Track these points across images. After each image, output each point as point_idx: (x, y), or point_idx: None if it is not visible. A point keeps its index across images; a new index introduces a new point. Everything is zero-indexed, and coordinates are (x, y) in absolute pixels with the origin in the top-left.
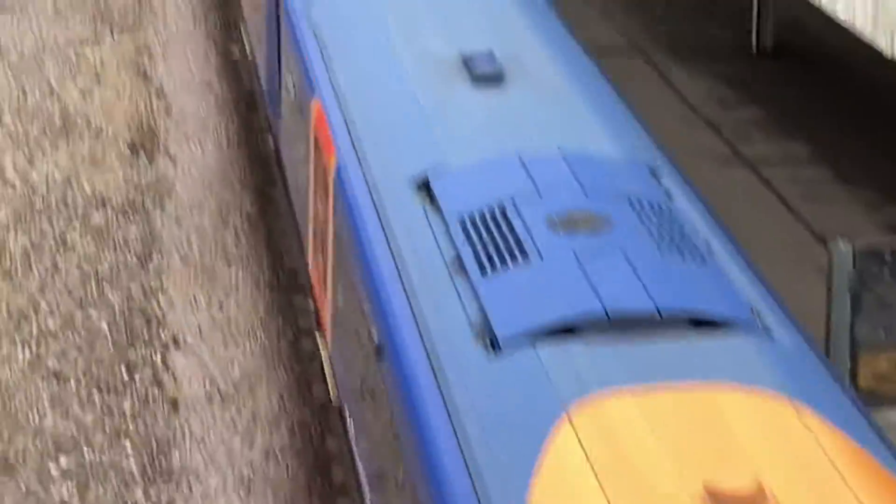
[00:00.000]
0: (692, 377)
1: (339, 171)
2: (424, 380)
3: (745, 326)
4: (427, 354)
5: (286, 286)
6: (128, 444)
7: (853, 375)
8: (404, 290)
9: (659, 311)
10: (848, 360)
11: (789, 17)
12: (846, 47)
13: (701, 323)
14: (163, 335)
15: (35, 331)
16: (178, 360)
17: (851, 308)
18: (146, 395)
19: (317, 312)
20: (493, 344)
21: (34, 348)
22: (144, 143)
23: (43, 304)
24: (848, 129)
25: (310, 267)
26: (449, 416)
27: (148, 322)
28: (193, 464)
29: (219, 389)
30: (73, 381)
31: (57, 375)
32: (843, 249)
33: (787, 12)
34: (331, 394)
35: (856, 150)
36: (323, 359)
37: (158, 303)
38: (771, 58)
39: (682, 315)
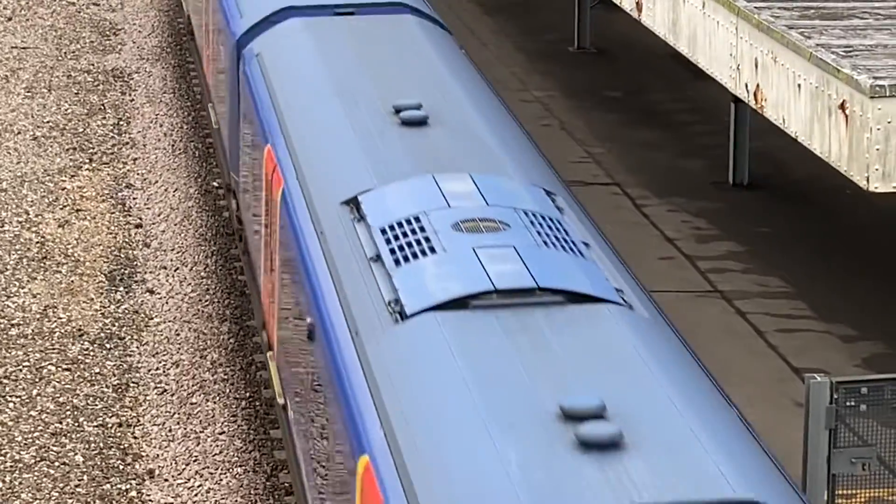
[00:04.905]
0: (566, 338)
1: (283, 195)
2: (346, 348)
3: (609, 300)
4: (349, 328)
5: (263, 419)
6: None
7: None
8: (332, 282)
9: (538, 286)
10: (825, 496)
11: (765, 150)
12: (821, 179)
13: (573, 298)
14: (138, 468)
15: (9, 462)
16: (153, 493)
17: (829, 443)
18: None
19: (268, 339)
20: (402, 315)
21: (7, 479)
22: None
23: (18, 436)
24: (823, 262)
25: (262, 299)
26: (363, 371)
27: (124, 454)
28: None
29: None
30: None
31: None
32: (819, 384)
33: (762, 145)
34: (276, 394)
35: (832, 283)
36: (272, 375)
37: (134, 435)
38: (746, 190)
39: (556, 290)
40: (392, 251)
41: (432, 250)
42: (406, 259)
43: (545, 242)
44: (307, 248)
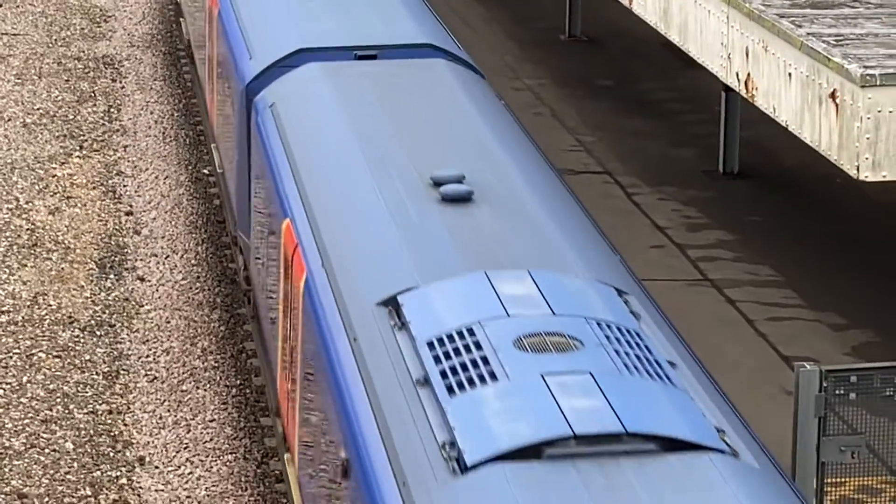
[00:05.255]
0: (663, 499)
1: (307, 287)
2: (391, 500)
3: (710, 448)
4: (394, 474)
5: (254, 406)
6: None
7: (820, 499)
8: (371, 408)
9: (626, 432)
10: (814, 484)
11: (755, 139)
12: (812, 168)
13: (669, 445)
14: (129, 455)
15: None
16: (144, 480)
17: (818, 431)
18: None
19: (285, 435)
20: (460, 465)
21: None
22: (113, 262)
23: (8, 423)
24: (813, 251)
25: (278, 387)
26: None
27: (114, 442)
28: None
29: None
30: (36, 502)
31: (21, 495)
32: (809, 371)
33: (753, 134)
34: None
35: (822, 272)
36: (290, 481)
37: (125, 422)
38: (736, 179)
39: (648, 436)
40: (443, 374)
41: (493, 376)
42: (461, 386)
43: (626, 366)
44: (338, 357)
